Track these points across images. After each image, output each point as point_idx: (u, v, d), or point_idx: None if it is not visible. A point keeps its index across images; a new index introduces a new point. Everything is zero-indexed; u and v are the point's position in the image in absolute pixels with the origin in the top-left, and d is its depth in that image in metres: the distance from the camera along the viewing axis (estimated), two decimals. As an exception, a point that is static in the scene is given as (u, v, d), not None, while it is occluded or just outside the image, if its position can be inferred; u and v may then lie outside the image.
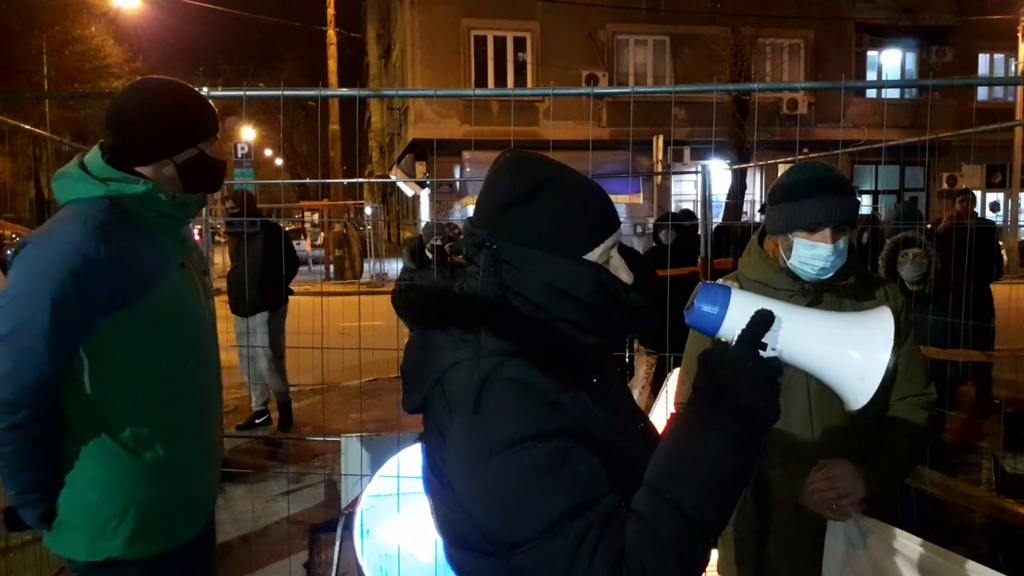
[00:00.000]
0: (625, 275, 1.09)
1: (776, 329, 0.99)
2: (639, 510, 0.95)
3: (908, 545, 1.57)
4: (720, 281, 1.06)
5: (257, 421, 5.57)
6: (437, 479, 1.06)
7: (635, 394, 4.27)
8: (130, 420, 1.62)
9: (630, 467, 1.01)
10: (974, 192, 6.73)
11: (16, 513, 1.65)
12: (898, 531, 1.59)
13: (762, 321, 0.97)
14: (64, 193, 1.64)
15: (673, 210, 8.07)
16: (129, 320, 1.59)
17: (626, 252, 1.13)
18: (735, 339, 0.99)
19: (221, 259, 10.19)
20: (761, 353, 0.98)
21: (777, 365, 0.98)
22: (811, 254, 1.68)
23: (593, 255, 1.06)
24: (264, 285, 5.27)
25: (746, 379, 0.95)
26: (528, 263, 1.03)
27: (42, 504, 1.62)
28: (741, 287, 1.20)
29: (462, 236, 1.11)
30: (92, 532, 1.62)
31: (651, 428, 1.20)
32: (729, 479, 0.95)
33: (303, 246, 19.80)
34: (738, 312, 1.00)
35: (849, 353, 1.00)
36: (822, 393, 1.74)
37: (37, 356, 1.50)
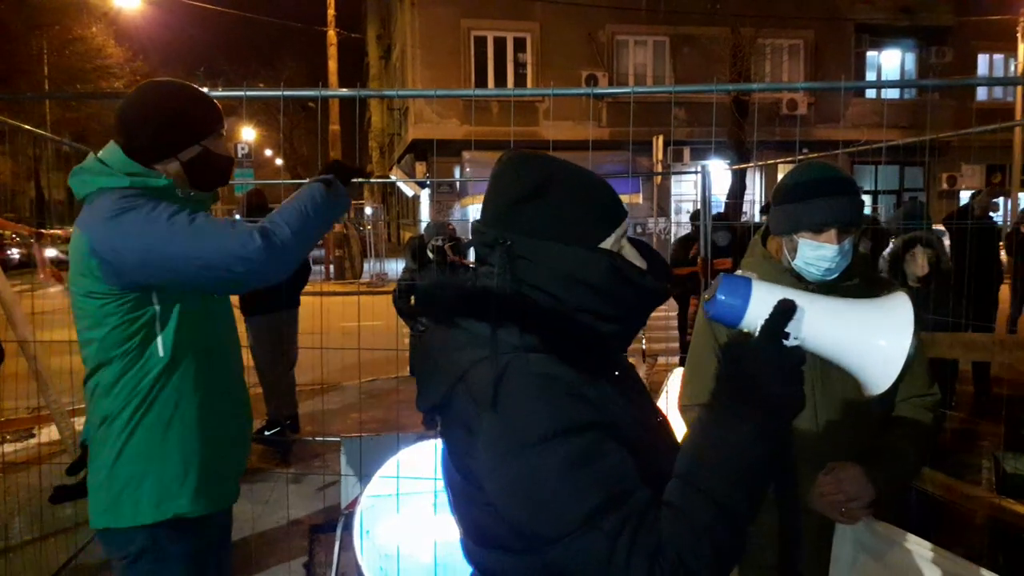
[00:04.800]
0: (638, 262, 1.11)
1: (798, 319, 1.00)
2: (671, 501, 0.95)
3: (917, 549, 1.56)
4: (740, 272, 1.07)
5: (267, 433, 5.23)
6: (462, 477, 1.06)
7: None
8: (195, 385, 1.73)
9: (655, 460, 1.02)
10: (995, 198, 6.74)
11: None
12: (907, 535, 1.59)
13: (785, 311, 0.98)
14: (85, 186, 1.69)
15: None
16: (186, 299, 1.70)
17: (636, 242, 1.15)
18: (758, 329, 1.00)
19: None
20: (784, 343, 0.99)
21: (800, 354, 0.99)
22: (816, 255, 1.68)
23: (606, 244, 1.08)
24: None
25: (770, 369, 0.96)
26: (543, 255, 1.05)
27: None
28: None
29: (471, 238, 1.12)
30: (160, 492, 1.70)
31: (667, 422, 1.21)
32: (757, 468, 0.96)
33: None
34: (760, 303, 1.01)
35: (873, 340, 1.01)
36: (827, 395, 1.74)
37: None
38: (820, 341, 1.01)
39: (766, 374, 0.96)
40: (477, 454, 1.01)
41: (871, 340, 1.01)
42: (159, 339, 1.68)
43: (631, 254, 1.11)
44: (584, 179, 1.10)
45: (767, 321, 0.98)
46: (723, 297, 1.03)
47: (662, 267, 1.15)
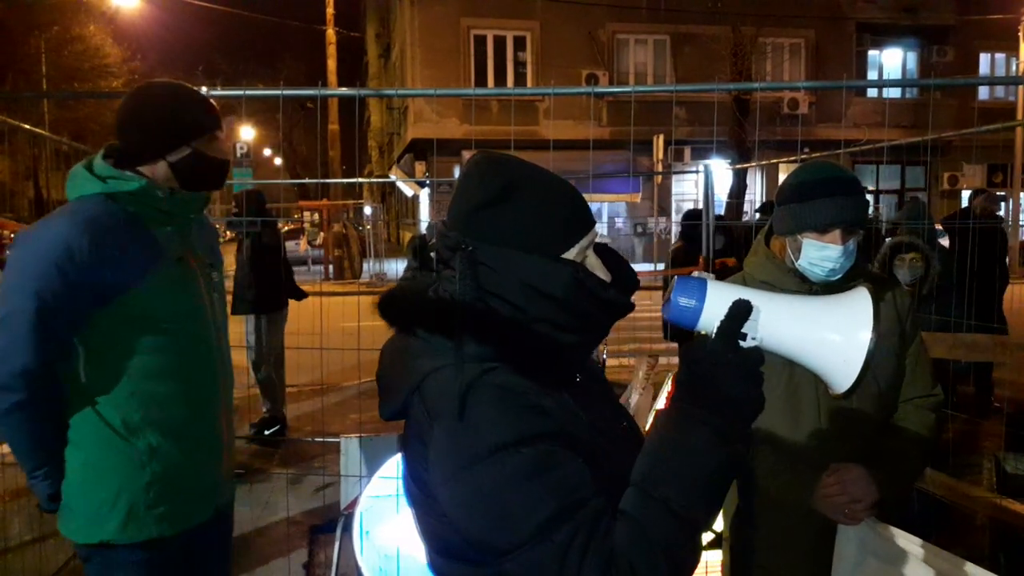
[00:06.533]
0: (602, 274, 1.08)
1: (755, 318, 0.98)
2: (627, 510, 0.94)
3: (921, 551, 1.56)
4: (696, 274, 1.06)
5: (266, 432, 5.24)
6: (419, 488, 1.04)
7: (635, 396, 4.25)
8: (121, 408, 1.68)
9: (616, 467, 1.00)
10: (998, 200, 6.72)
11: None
12: (911, 536, 1.59)
13: (740, 311, 0.97)
14: (72, 190, 1.74)
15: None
16: (120, 311, 1.66)
17: (603, 251, 1.12)
18: (714, 331, 0.98)
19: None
20: (741, 343, 0.97)
21: (758, 355, 0.97)
22: (821, 255, 1.67)
23: (569, 254, 1.05)
24: (249, 287, 5.14)
25: (726, 371, 0.95)
26: (504, 263, 1.02)
27: (48, 485, 1.72)
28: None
29: (436, 240, 1.09)
30: (88, 515, 1.70)
31: (635, 426, 1.20)
32: (716, 473, 0.94)
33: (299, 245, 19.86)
34: (715, 304, 0.99)
35: (829, 336, 1.00)
36: (831, 396, 1.73)
37: (23, 344, 1.58)
38: (779, 340, 1.00)
39: (722, 376, 0.95)
40: (430, 465, 1.00)
41: (829, 337, 0.99)
42: (81, 361, 1.66)
43: (596, 264, 1.08)
44: (551, 186, 1.06)
45: (722, 322, 0.97)
46: (678, 299, 1.01)
47: (629, 278, 1.12)
